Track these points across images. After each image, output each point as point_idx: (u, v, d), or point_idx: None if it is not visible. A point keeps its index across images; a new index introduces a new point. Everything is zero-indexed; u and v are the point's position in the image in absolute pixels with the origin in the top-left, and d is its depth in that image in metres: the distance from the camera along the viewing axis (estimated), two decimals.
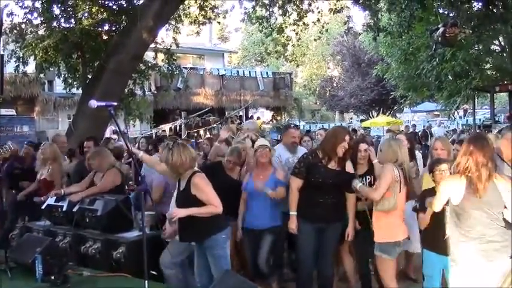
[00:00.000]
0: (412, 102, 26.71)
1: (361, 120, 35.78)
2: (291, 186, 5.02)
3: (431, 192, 4.37)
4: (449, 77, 20.78)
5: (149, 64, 13.73)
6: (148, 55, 13.64)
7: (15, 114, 20.57)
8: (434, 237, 4.32)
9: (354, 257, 5.45)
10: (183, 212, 4.38)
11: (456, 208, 3.68)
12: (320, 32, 17.64)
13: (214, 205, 4.27)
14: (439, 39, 11.78)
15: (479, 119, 24.81)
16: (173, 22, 13.76)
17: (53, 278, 4.36)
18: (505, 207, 3.60)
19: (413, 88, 23.80)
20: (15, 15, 12.02)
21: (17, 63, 12.56)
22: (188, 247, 4.96)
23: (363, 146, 5.27)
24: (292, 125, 6.47)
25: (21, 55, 12.54)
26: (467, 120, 29.42)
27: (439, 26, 11.81)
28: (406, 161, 4.72)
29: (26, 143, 8.54)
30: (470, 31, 15.19)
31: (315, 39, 34.24)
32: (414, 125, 25.20)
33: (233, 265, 5.67)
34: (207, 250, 4.46)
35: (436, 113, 35.09)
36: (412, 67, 21.79)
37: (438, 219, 4.22)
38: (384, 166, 4.59)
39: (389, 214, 4.48)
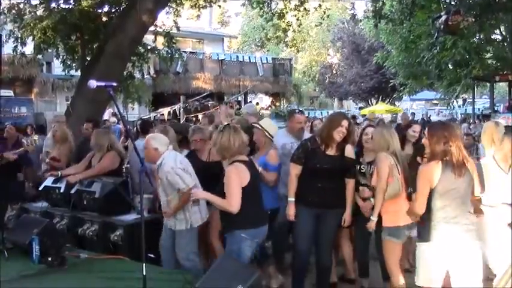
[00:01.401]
0: (411, 90, 26.63)
1: (360, 108, 35.73)
2: (290, 172, 4.97)
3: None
4: (450, 65, 20.74)
5: (148, 47, 13.62)
6: (148, 38, 13.52)
7: (13, 95, 20.49)
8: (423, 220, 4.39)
9: (354, 244, 5.45)
10: (201, 195, 4.49)
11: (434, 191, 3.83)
12: (321, 18, 17.55)
13: (230, 203, 4.19)
14: (442, 26, 11.73)
15: (478, 109, 24.81)
16: (173, 5, 13.65)
17: (49, 259, 4.35)
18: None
19: (413, 76, 23.74)
20: None
21: (15, 44, 12.47)
22: (195, 235, 4.98)
23: (368, 130, 5.27)
24: (297, 111, 6.34)
25: (19, 35, 12.43)
26: (466, 109, 29.43)
27: (442, 13, 11.74)
28: (398, 149, 4.67)
29: (8, 123, 8.46)
30: (473, 19, 15.09)
31: (316, 25, 34.15)
32: (413, 113, 25.18)
33: (216, 250, 5.70)
34: (226, 243, 4.49)
35: (435, 101, 35.08)
36: (412, 55, 21.71)
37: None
38: (376, 157, 4.56)
39: (395, 199, 4.48)
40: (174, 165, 4.79)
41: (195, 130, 5.90)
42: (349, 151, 4.96)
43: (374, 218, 4.58)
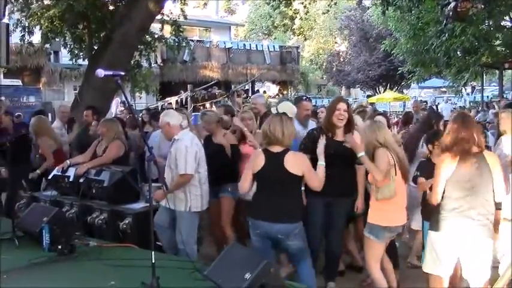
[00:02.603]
0: (419, 78, 26.44)
1: (368, 96, 35.58)
2: None
3: (429, 163, 4.66)
4: (458, 52, 20.56)
5: (156, 36, 13.61)
6: (155, 27, 13.51)
7: (21, 84, 20.56)
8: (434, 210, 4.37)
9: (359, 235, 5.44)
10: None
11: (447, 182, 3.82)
12: (328, 6, 17.45)
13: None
14: (450, 13, 11.61)
15: (487, 96, 24.67)
16: None
17: (59, 247, 4.39)
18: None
19: (421, 64, 23.54)
20: None
21: (22, 33, 12.50)
22: (194, 220, 5.06)
23: (377, 118, 5.25)
24: (304, 97, 6.35)
25: (26, 25, 12.46)
26: (474, 97, 29.25)
27: (451, 0, 11.61)
28: (391, 143, 4.52)
29: (3, 112, 8.49)
30: (482, 6, 14.92)
31: (323, 13, 33.90)
32: (422, 101, 25.02)
33: (228, 237, 5.75)
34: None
35: (443, 89, 34.81)
36: (420, 42, 21.51)
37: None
38: (376, 153, 4.36)
39: (388, 201, 4.33)
40: (188, 145, 4.91)
41: (203, 115, 6.09)
42: (358, 138, 4.95)
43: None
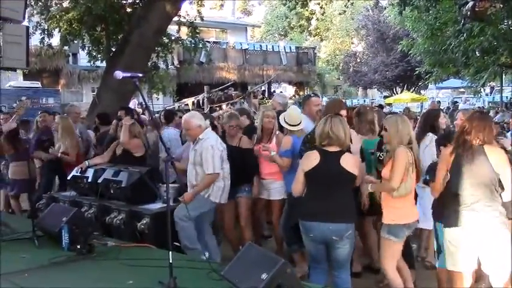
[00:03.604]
0: (437, 78, 26.17)
1: (385, 97, 35.35)
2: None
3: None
4: (477, 52, 20.27)
5: (172, 37, 13.70)
6: (172, 28, 13.60)
7: (41, 86, 20.83)
8: (450, 211, 4.33)
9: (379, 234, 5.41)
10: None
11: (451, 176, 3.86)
12: (345, 6, 17.38)
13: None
14: (468, 13, 11.48)
15: (506, 97, 24.34)
16: None
17: (78, 247, 4.45)
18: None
19: (439, 64, 23.31)
20: None
21: (42, 36, 12.68)
22: (204, 206, 5.10)
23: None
24: (311, 94, 6.37)
25: (46, 27, 12.64)
26: (493, 97, 28.86)
27: None
28: (414, 141, 4.46)
29: (40, 111, 8.61)
30: (501, 5, 14.74)
31: (340, 14, 33.79)
32: (439, 102, 24.83)
33: (245, 238, 5.77)
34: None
35: (461, 90, 34.44)
36: (438, 42, 21.30)
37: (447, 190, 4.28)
38: (396, 151, 4.26)
39: (403, 198, 4.31)
40: (214, 145, 5.03)
41: (232, 116, 6.04)
42: (354, 138, 4.94)
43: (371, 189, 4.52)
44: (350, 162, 4.16)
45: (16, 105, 6.30)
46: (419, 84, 35.19)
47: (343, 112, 4.84)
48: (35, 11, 12.56)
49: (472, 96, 28.64)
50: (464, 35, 18.06)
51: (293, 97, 27.91)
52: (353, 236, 4.23)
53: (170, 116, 7.79)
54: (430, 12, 18.41)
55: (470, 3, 11.27)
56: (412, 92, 34.07)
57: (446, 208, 3.94)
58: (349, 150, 4.40)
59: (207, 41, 18.05)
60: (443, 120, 5.94)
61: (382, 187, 4.38)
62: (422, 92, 37.01)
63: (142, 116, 12.39)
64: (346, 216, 4.14)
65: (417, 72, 27.57)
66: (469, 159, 3.78)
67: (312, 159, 4.16)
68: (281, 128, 5.84)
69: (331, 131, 4.15)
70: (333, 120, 4.20)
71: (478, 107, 23.15)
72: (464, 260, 3.89)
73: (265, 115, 5.90)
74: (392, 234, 4.31)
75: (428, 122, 5.84)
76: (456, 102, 26.05)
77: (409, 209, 4.38)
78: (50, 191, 6.99)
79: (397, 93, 35.02)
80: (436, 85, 31.10)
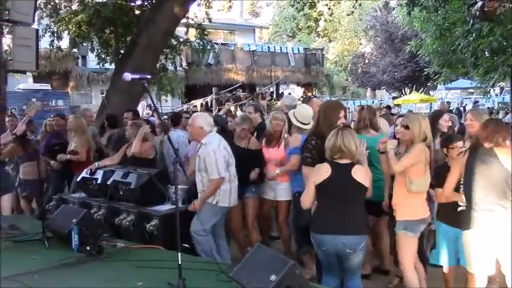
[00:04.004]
0: (446, 79, 26.04)
1: (394, 98, 35.21)
2: (306, 176, 4.67)
3: (445, 167, 4.59)
4: (486, 53, 20.14)
5: (181, 39, 13.73)
6: (180, 30, 13.64)
7: (50, 88, 20.96)
8: (448, 210, 4.48)
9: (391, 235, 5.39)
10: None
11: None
12: (353, 7, 17.34)
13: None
14: (477, 13, 11.40)
15: None
16: None
17: (88, 248, 4.47)
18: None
19: (448, 64, 23.18)
20: None
21: (51, 38, 12.76)
22: (216, 214, 5.11)
23: (399, 121, 5.20)
24: (312, 96, 6.39)
25: (55, 30, 12.72)
26: (503, 98, 28.65)
27: None
28: (431, 140, 4.53)
29: (53, 115, 8.66)
30: (510, 5, 14.65)
31: (348, 14, 33.71)
32: (448, 103, 24.70)
33: (253, 239, 5.77)
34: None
35: (470, 90, 34.24)
36: (447, 43, 21.19)
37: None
38: (416, 146, 4.35)
39: (418, 194, 4.38)
40: (216, 149, 4.98)
41: (245, 119, 6.05)
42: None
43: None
44: (361, 174, 4.12)
45: (26, 107, 6.33)
46: (428, 85, 34.99)
47: (341, 113, 4.79)
48: (44, 14, 12.64)
49: (482, 96, 28.49)
50: (474, 35, 17.96)
51: (301, 98, 27.90)
52: (365, 247, 4.19)
53: (177, 119, 7.80)
54: (439, 12, 18.32)
55: (479, 3, 11.19)
56: (420, 92, 33.91)
57: (467, 210, 3.98)
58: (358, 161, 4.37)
59: (215, 43, 18.08)
60: (445, 123, 5.90)
61: (391, 160, 4.37)
62: (431, 92, 36.83)
63: (151, 117, 12.46)
64: (359, 228, 4.09)
65: (426, 72, 27.45)
66: (480, 161, 3.81)
67: (322, 172, 4.11)
68: (289, 130, 5.84)
69: (343, 145, 4.10)
70: (344, 133, 4.16)
71: (488, 107, 23.02)
72: (482, 262, 3.90)
73: (274, 117, 5.90)
74: (408, 229, 4.37)
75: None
76: (477, 102, 25.76)
77: (423, 205, 4.43)
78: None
79: (406, 94, 34.87)
80: (445, 86, 30.94)
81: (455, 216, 4.36)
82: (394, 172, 4.38)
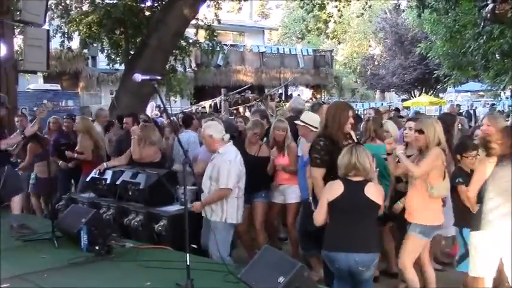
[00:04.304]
0: (456, 81, 25.93)
1: (403, 100, 35.07)
2: (316, 178, 4.60)
3: (460, 172, 4.64)
4: (497, 55, 20.03)
5: (190, 40, 13.78)
6: (190, 31, 13.68)
7: (60, 89, 21.10)
8: (470, 214, 4.40)
9: (396, 240, 5.38)
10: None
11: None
12: (363, 9, 17.28)
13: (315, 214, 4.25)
14: (488, 15, 11.33)
15: None
16: None
17: (97, 248, 4.50)
18: None
19: (458, 67, 23.10)
20: None
21: (62, 39, 12.86)
22: (229, 231, 5.03)
23: (408, 124, 5.18)
24: (321, 102, 6.33)
25: (66, 30, 12.81)
26: None
27: (488, 1, 11.35)
28: (445, 144, 4.51)
29: (65, 116, 8.71)
30: None
31: (357, 16, 33.64)
32: (458, 105, 24.56)
33: (260, 241, 5.77)
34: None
35: (481, 93, 34.04)
36: (457, 45, 21.10)
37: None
38: (432, 150, 4.32)
39: (437, 200, 4.39)
40: (233, 160, 4.92)
41: (257, 124, 6.04)
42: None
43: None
44: (374, 192, 4.07)
45: (37, 109, 6.38)
46: (438, 87, 34.84)
47: (350, 113, 4.75)
48: (55, 15, 12.75)
49: (492, 99, 28.31)
50: (484, 37, 17.87)
51: (310, 100, 27.87)
52: (377, 263, 4.17)
53: (188, 120, 7.85)
54: (449, 14, 18.26)
55: (490, 6, 11.13)
56: (430, 95, 33.75)
57: (479, 215, 3.99)
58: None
59: (224, 44, 18.12)
60: (457, 126, 5.91)
61: (406, 164, 4.33)
62: (440, 95, 36.66)
63: (160, 118, 12.51)
64: (372, 246, 4.04)
65: (436, 75, 27.36)
66: (507, 170, 3.81)
67: (335, 189, 4.07)
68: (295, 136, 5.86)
69: (358, 162, 4.03)
70: (358, 150, 4.11)
71: (498, 110, 22.86)
72: (488, 264, 3.90)
73: (276, 127, 5.88)
74: (423, 234, 4.38)
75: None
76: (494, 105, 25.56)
77: (440, 211, 4.43)
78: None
79: (415, 97, 34.73)
80: (455, 88, 30.80)
81: (476, 219, 4.28)
82: (415, 176, 4.30)
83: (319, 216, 4.15)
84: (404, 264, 4.47)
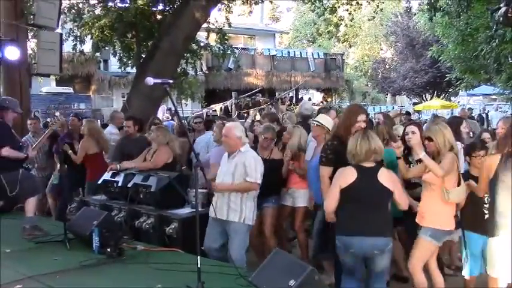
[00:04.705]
0: (468, 85, 25.76)
1: (414, 103, 34.89)
2: (323, 176, 4.70)
3: (468, 176, 4.66)
4: (509, 59, 19.87)
5: (201, 44, 13.83)
6: (201, 35, 13.73)
7: (73, 92, 21.27)
8: (476, 217, 4.49)
9: (404, 243, 5.35)
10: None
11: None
12: (374, 12, 17.22)
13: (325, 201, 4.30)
14: (501, 19, 11.25)
15: None
16: (225, 1, 13.79)
17: (108, 250, 4.53)
18: None
19: (470, 70, 22.95)
20: None
21: (74, 42, 12.96)
22: (246, 233, 5.03)
23: (409, 128, 5.16)
24: (328, 107, 6.36)
25: (78, 34, 12.91)
26: None
27: (501, 5, 11.28)
28: (457, 147, 4.51)
29: (71, 114, 8.72)
30: None
31: (369, 20, 33.51)
32: (470, 109, 24.38)
33: (270, 245, 5.76)
34: None
35: (493, 96, 33.79)
36: (469, 48, 20.97)
37: (477, 200, 4.45)
38: (446, 155, 4.30)
39: (452, 204, 4.38)
40: (257, 156, 5.06)
41: (268, 128, 6.08)
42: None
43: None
44: (387, 178, 4.11)
45: (51, 121, 6.45)
46: (450, 91, 34.63)
47: (360, 117, 4.75)
48: (68, 19, 12.84)
49: (504, 103, 28.09)
50: (497, 41, 17.74)
51: (320, 103, 27.83)
52: (392, 249, 4.20)
53: (209, 124, 8.31)
54: (461, 18, 18.15)
55: (503, 9, 11.05)
56: (442, 98, 33.56)
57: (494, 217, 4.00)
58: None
59: (235, 47, 18.15)
60: (464, 130, 5.87)
61: (433, 165, 4.26)
62: (452, 98, 36.44)
63: (170, 121, 12.57)
64: (386, 230, 4.11)
65: (447, 78, 27.22)
66: (504, 167, 3.84)
67: (348, 175, 4.09)
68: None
69: (378, 146, 4.13)
70: (372, 135, 4.18)
71: (511, 114, 22.67)
72: (504, 267, 3.90)
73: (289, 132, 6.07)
74: (434, 238, 4.36)
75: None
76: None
77: (452, 216, 4.41)
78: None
79: (427, 100, 34.55)
80: (467, 92, 30.61)
81: (483, 223, 4.36)
82: (440, 176, 4.24)
83: (331, 201, 4.19)
84: (414, 267, 4.45)
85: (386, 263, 4.16)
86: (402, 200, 4.22)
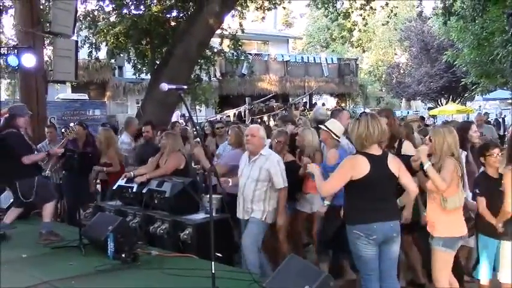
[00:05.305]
0: (484, 89, 25.53)
1: (429, 108, 34.64)
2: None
3: (485, 178, 4.66)
4: None
5: (215, 50, 13.87)
6: (214, 41, 13.78)
7: (88, 98, 21.45)
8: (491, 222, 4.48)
9: (420, 250, 5.29)
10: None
11: None
12: (388, 17, 17.14)
13: (324, 185, 4.26)
14: None
15: None
16: (239, 8, 13.83)
17: (123, 255, 4.54)
18: None
19: (485, 75, 22.75)
20: (88, 2, 12.50)
21: (89, 49, 13.08)
22: (263, 230, 5.11)
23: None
24: (341, 108, 6.34)
25: (93, 41, 13.03)
26: None
27: None
28: (459, 153, 4.41)
29: (76, 123, 8.74)
30: None
31: (383, 24, 33.36)
32: (487, 113, 24.14)
33: (284, 250, 5.74)
34: None
35: (510, 101, 33.44)
36: (485, 53, 20.79)
37: (494, 204, 4.45)
38: (446, 161, 4.21)
39: (456, 210, 4.29)
40: (279, 160, 5.15)
41: (281, 132, 6.13)
42: (409, 148, 4.87)
43: None
44: (395, 164, 4.16)
45: (66, 131, 6.54)
46: (465, 95, 34.34)
47: (384, 121, 4.70)
48: (83, 26, 12.98)
49: None
50: None
51: (332, 108, 27.74)
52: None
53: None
54: (477, 22, 18.01)
55: None
56: (457, 103, 33.27)
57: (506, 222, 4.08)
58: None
59: (248, 53, 18.19)
60: (475, 134, 5.78)
61: (435, 177, 4.18)
62: (468, 103, 36.11)
63: (184, 127, 12.60)
64: (398, 213, 4.35)
65: (463, 83, 27.00)
66: None
67: (361, 167, 4.04)
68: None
69: (385, 128, 4.21)
70: (376, 117, 4.20)
71: None
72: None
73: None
74: (447, 246, 4.29)
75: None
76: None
77: (461, 221, 4.35)
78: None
79: (442, 105, 34.29)
80: (483, 96, 30.33)
81: (495, 227, 4.38)
82: (443, 190, 4.19)
83: (335, 187, 4.26)
84: (438, 280, 4.38)
85: (398, 249, 4.24)
86: (412, 184, 4.24)
